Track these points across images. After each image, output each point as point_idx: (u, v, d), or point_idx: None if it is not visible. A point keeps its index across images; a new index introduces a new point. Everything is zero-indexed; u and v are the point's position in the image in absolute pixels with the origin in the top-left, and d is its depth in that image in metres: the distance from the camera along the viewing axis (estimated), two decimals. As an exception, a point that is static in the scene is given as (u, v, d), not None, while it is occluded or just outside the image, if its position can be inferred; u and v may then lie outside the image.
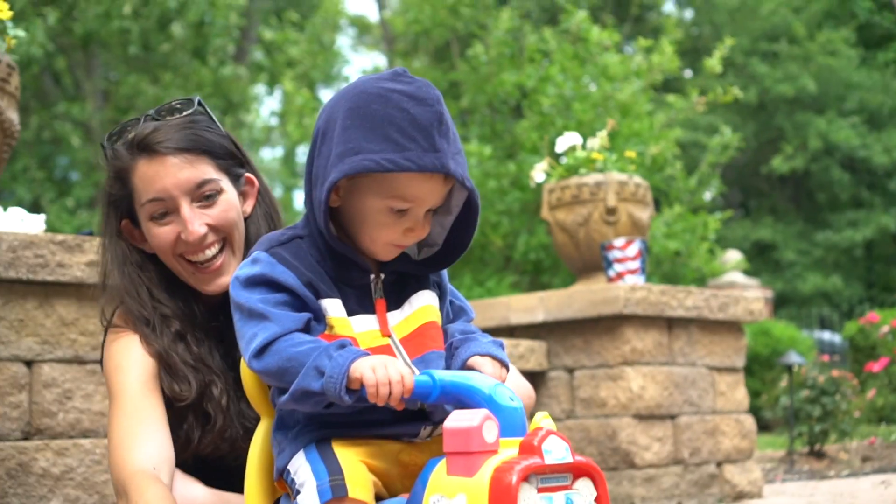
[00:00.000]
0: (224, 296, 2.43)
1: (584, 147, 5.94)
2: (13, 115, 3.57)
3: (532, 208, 9.87)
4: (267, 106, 25.22)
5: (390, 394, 1.79)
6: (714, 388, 5.65)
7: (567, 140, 5.91)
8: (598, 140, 5.92)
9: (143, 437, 2.24)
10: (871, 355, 12.16)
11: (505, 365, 1.97)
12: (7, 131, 3.55)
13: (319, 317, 1.93)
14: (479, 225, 9.95)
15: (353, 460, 1.86)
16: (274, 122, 22.10)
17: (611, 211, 5.78)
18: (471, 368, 1.92)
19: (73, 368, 3.56)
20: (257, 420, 2.37)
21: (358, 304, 1.96)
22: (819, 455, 8.67)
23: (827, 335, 15.63)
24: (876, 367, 10.05)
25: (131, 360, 2.35)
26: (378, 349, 1.93)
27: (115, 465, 2.24)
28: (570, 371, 5.49)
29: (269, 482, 2.09)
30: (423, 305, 2.02)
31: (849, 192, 26.75)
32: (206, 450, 2.36)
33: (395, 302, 2.01)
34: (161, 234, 2.36)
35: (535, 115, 10.28)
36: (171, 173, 2.33)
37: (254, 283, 1.93)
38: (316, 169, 1.93)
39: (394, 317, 1.99)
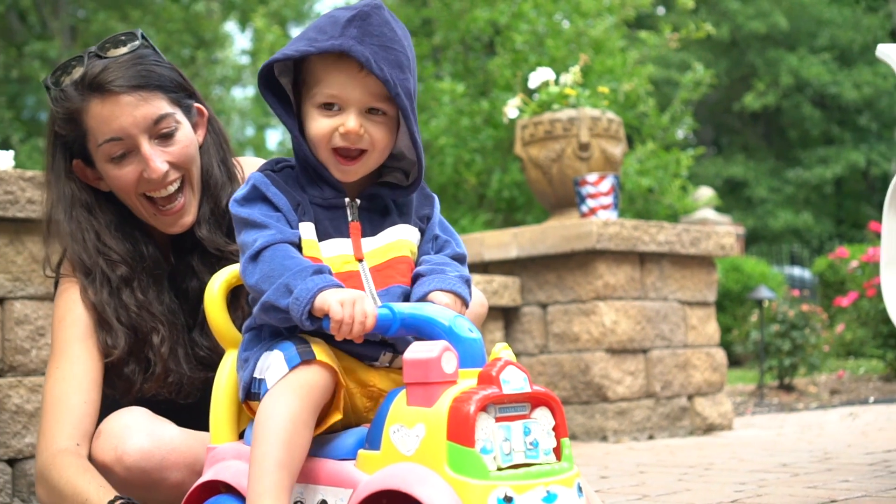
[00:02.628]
0: (176, 236, 2.48)
1: (556, 83, 5.93)
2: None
3: (505, 146, 9.86)
4: (238, 44, 24.97)
5: (351, 331, 1.81)
6: (685, 322, 5.70)
7: (540, 76, 5.89)
8: (571, 76, 5.91)
9: (70, 408, 2.28)
10: (840, 290, 12.30)
11: (465, 303, 1.99)
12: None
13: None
14: (452, 163, 10.00)
15: (318, 340, 1.89)
16: (245, 60, 21.89)
17: (584, 147, 5.79)
18: (430, 302, 1.94)
19: (46, 305, 3.55)
20: (211, 349, 2.40)
21: (332, 226, 1.99)
22: (788, 388, 8.79)
23: (797, 271, 15.77)
24: (845, 302, 10.16)
25: (75, 314, 2.37)
26: (347, 274, 1.95)
27: (40, 449, 2.29)
28: (544, 306, 5.52)
29: (235, 412, 2.10)
30: (399, 239, 2.03)
31: (819, 129, 26.88)
32: (149, 393, 2.38)
33: (371, 230, 2.02)
34: (122, 175, 2.34)
35: (508, 51, 10.23)
36: (126, 112, 2.30)
37: (252, 198, 1.98)
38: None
39: (367, 244, 2.00)
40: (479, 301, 2.69)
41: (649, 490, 3.41)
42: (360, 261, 1.98)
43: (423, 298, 1.94)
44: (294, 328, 1.92)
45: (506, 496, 1.67)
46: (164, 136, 2.35)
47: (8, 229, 3.48)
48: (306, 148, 1.99)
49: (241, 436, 2.09)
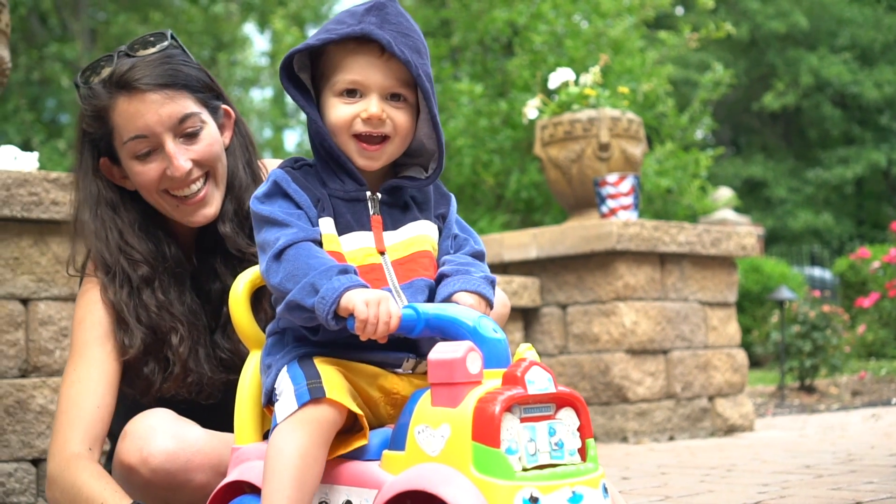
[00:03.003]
0: (199, 237, 2.49)
1: (576, 83, 5.92)
2: (4, 53, 3.54)
3: (523, 146, 9.84)
4: (257, 46, 25.05)
5: (375, 331, 1.81)
6: (706, 322, 5.69)
7: (560, 76, 5.89)
8: (591, 76, 5.90)
9: (84, 412, 2.29)
10: (862, 291, 12.23)
11: (490, 304, 1.99)
12: (-2, 68, 3.52)
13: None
14: (470, 163, 9.98)
15: (330, 370, 1.89)
16: (264, 62, 21.94)
17: (604, 147, 5.78)
18: (455, 303, 1.94)
19: (70, 306, 3.57)
20: (232, 352, 2.40)
21: (354, 219, 1.99)
22: (809, 390, 8.74)
23: (817, 271, 15.70)
24: (866, 303, 10.09)
25: (95, 315, 2.39)
26: (370, 267, 1.95)
27: (53, 452, 2.30)
28: (563, 307, 5.51)
29: (259, 412, 2.11)
30: (420, 234, 2.04)
31: (840, 129, 26.74)
32: (168, 393, 2.39)
33: (392, 225, 2.03)
34: (145, 171, 2.35)
35: (527, 52, 10.22)
36: (152, 110, 2.32)
37: (272, 194, 1.98)
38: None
39: (389, 237, 2.01)
40: (502, 301, 2.69)
41: (671, 491, 3.41)
42: (382, 253, 1.98)
43: (447, 299, 1.94)
44: (317, 330, 1.92)
45: (531, 497, 1.67)
46: (188, 136, 2.37)
47: (32, 231, 3.50)
48: (329, 138, 2.00)
49: (265, 436, 2.09)
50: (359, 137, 1.98)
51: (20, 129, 16.14)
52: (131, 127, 2.33)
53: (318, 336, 1.93)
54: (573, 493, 1.70)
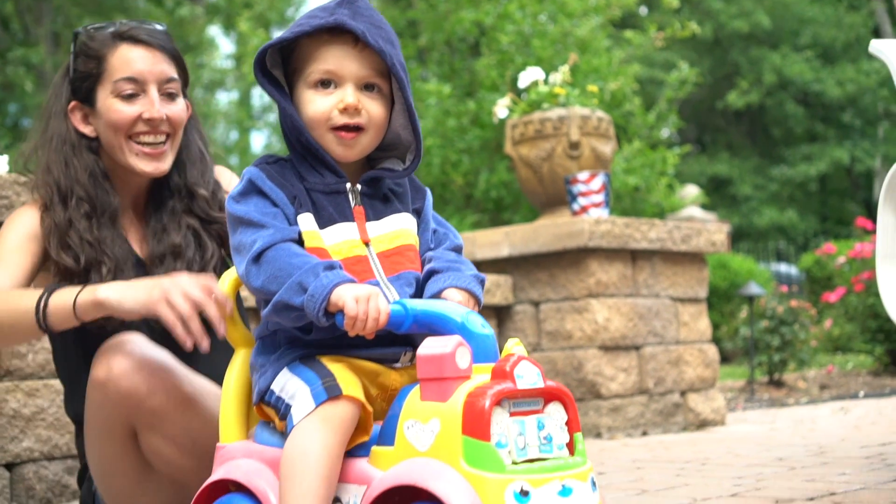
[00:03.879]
0: (144, 194, 2.67)
1: (546, 82, 5.94)
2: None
3: (492, 146, 9.86)
4: (222, 49, 24.95)
5: (364, 328, 1.81)
6: (677, 318, 5.72)
7: (529, 75, 5.91)
8: (560, 75, 5.93)
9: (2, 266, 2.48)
10: (828, 286, 12.34)
11: (478, 302, 2.00)
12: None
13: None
14: (439, 163, 9.99)
15: (340, 367, 1.88)
16: (229, 65, 21.85)
17: (574, 145, 5.80)
18: (444, 299, 1.95)
19: (43, 309, 3.54)
20: None
21: (337, 211, 1.99)
22: (778, 384, 8.82)
23: (784, 267, 15.84)
24: (833, 298, 10.20)
25: (24, 225, 2.55)
26: (355, 259, 1.95)
27: None
28: (536, 304, 5.53)
29: (244, 411, 2.11)
30: (403, 227, 2.04)
31: (803, 127, 26.98)
32: (93, 324, 2.44)
33: (375, 216, 2.03)
34: (124, 110, 2.56)
35: (494, 52, 10.24)
36: (150, 61, 2.58)
37: (247, 193, 1.98)
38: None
39: (372, 228, 2.01)
40: None
41: (648, 485, 3.43)
42: (367, 244, 1.98)
43: (436, 295, 1.95)
44: (310, 329, 1.92)
45: (522, 490, 1.67)
46: (168, 95, 2.61)
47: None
48: (306, 132, 2.00)
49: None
50: (335, 130, 1.99)
51: (-17, 133, 16.00)
52: (126, 69, 2.56)
53: (311, 336, 1.93)
54: (563, 486, 1.71)
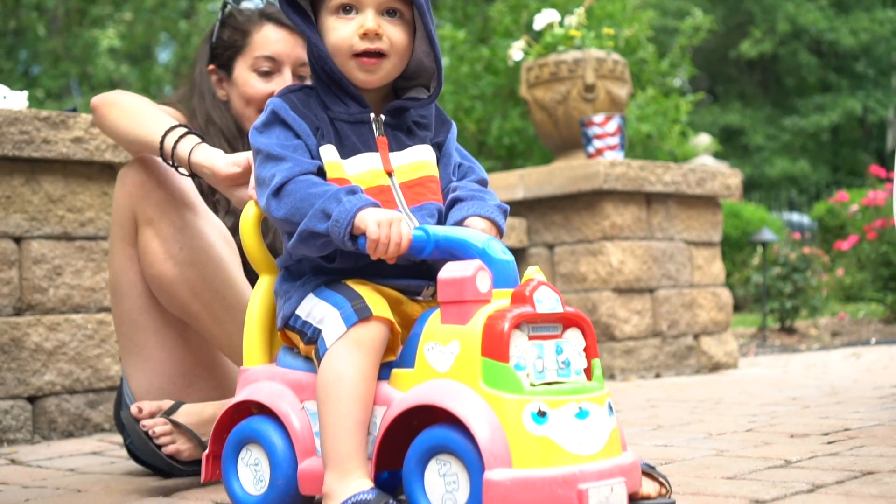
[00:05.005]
0: None
1: (561, 24, 5.91)
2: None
3: (505, 92, 9.82)
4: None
5: (386, 251, 1.82)
6: (691, 262, 5.73)
7: (545, 17, 5.87)
8: (576, 17, 5.89)
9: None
10: (840, 235, 12.33)
11: (501, 232, 2.01)
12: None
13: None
14: (452, 110, 9.96)
15: (367, 289, 1.90)
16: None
17: (589, 88, 5.78)
18: (466, 226, 1.96)
19: (62, 245, 3.57)
20: None
21: (360, 141, 2.00)
22: (790, 331, 8.84)
23: (795, 217, 15.80)
24: (845, 246, 10.19)
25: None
26: (378, 189, 1.96)
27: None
28: (551, 247, 5.55)
29: (267, 336, 2.13)
30: (425, 159, 2.05)
31: (816, 76, 26.78)
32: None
33: (398, 146, 2.04)
34: (259, 86, 2.78)
35: (508, -3, 10.18)
36: (289, 43, 2.79)
37: (269, 124, 1.99)
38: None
39: (395, 158, 2.02)
40: None
41: (663, 422, 3.45)
42: (390, 175, 1.99)
43: (459, 223, 1.96)
44: (334, 258, 1.93)
45: (539, 411, 1.69)
46: (300, 78, 2.81)
47: (24, 169, 3.49)
48: (330, 61, 2.00)
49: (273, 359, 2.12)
50: (357, 56, 1.98)
51: (-2, 77, 15.97)
52: (267, 47, 2.78)
53: (335, 264, 1.94)
54: (580, 408, 1.73)
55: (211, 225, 2.55)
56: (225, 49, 2.84)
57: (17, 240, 3.50)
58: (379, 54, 1.99)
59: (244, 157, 2.27)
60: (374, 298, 1.87)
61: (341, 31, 1.98)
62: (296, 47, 2.80)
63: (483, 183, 2.11)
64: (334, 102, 2.01)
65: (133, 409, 2.46)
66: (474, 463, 1.67)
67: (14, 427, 3.45)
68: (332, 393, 1.81)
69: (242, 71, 2.81)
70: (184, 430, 2.43)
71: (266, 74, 2.80)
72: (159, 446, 2.41)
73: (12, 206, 3.46)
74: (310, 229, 1.86)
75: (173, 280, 2.49)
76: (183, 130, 2.40)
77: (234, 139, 2.81)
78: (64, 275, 3.56)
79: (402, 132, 2.05)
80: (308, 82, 2.41)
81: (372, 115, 2.02)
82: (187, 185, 2.53)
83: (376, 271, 1.93)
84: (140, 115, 2.50)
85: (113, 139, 2.61)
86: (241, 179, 2.27)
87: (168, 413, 2.45)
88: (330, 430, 1.81)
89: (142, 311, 2.58)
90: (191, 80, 2.92)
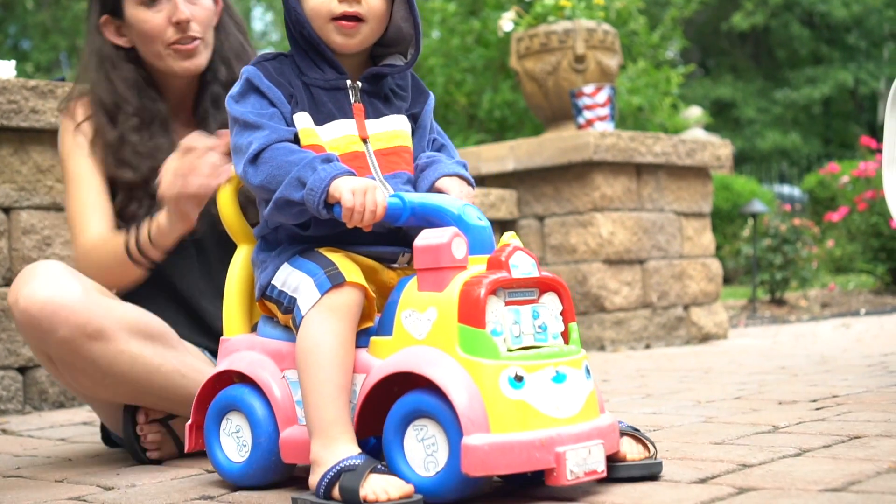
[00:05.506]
0: (191, 96, 2.66)
1: (551, -5, 5.90)
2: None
3: (496, 65, 9.80)
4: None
5: (362, 219, 1.82)
6: (681, 233, 5.74)
7: (535, -13, 5.86)
8: (566, -13, 5.88)
9: (91, 213, 2.52)
10: (830, 206, 12.36)
11: (470, 183, 2.03)
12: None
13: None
14: (442, 83, 9.94)
15: (340, 256, 1.90)
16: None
17: (579, 58, 5.77)
18: (439, 191, 1.97)
19: (52, 215, 3.56)
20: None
21: (336, 107, 1.99)
22: (780, 302, 8.87)
23: (786, 189, 15.82)
24: (836, 217, 10.21)
25: (82, 148, 2.58)
26: (353, 155, 1.96)
27: (75, 245, 2.54)
28: (541, 219, 5.55)
29: (247, 306, 2.13)
30: (400, 129, 2.05)
31: (808, 48, 26.76)
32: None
33: (374, 114, 2.03)
34: (152, 18, 2.56)
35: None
36: None
37: (245, 93, 1.98)
38: None
39: (371, 126, 2.02)
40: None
41: (652, 391, 3.47)
42: (365, 141, 1.99)
43: (430, 190, 1.97)
44: (308, 225, 1.94)
45: (516, 375, 1.70)
46: None
47: (12, 139, 3.48)
48: (308, 25, 1.99)
49: (252, 329, 2.12)
50: (335, 19, 1.97)
51: (-14, 51, 15.90)
52: None
53: (309, 231, 1.94)
54: (557, 372, 1.74)
55: (122, 327, 2.28)
56: None
57: (6, 210, 3.50)
58: (357, 18, 1.98)
59: (167, 172, 2.29)
60: (346, 265, 1.87)
61: None
62: None
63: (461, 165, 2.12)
64: (310, 68, 2.01)
65: (140, 416, 2.42)
66: (452, 426, 1.68)
67: (5, 397, 3.45)
68: (311, 360, 1.82)
69: (131, 9, 2.60)
70: (173, 438, 2.43)
71: (153, 2, 2.58)
72: (144, 450, 2.40)
73: (1, 176, 3.46)
74: (285, 197, 1.86)
75: (114, 397, 2.38)
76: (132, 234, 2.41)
77: (150, 108, 2.60)
78: (53, 245, 3.56)
79: (379, 100, 2.05)
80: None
81: (349, 82, 2.02)
82: (80, 301, 2.23)
83: (351, 239, 1.93)
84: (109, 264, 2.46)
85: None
86: (181, 183, 2.28)
87: (165, 419, 2.42)
88: (312, 398, 1.82)
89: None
90: (85, 58, 2.70)
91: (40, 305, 2.20)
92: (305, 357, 1.83)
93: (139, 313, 2.33)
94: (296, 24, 2.00)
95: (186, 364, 2.36)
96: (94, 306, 2.24)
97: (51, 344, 2.23)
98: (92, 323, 2.22)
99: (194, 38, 2.58)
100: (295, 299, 1.88)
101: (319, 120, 1.97)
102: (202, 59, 2.62)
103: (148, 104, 2.59)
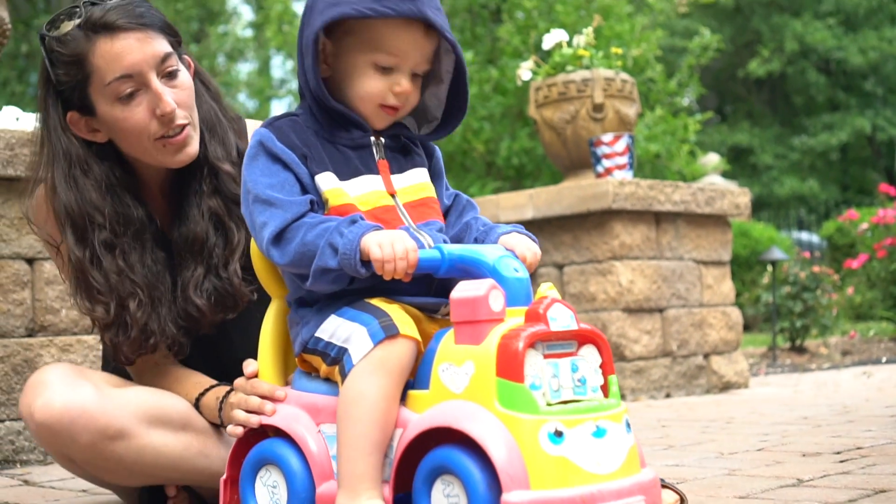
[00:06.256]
0: (170, 197, 2.42)
1: (570, 44, 5.93)
2: (4, 14, 3.54)
3: (514, 113, 9.85)
4: (244, 17, 24.89)
5: (395, 269, 1.83)
6: (701, 281, 5.73)
7: (553, 37, 5.90)
8: (584, 37, 5.92)
9: None
10: (849, 253, 12.31)
11: (532, 239, 2.03)
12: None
13: (317, 199, 1.97)
14: (461, 131, 10.00)
15: (394, 307, 1.89)
16: (249, 33, 21.83)
17: (598, 107, 5.80)
18: (503, 246, 1.98)
19: (75, 266, 3.58)
20: (200, 310, 2.35)
21: (361, 163, 2.00)
22: (800, 350, 8.82)
23: (805, 236, 15.78)
24: (855, 264, 10.18)
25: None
26: (384, 209, 1.96)
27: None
28: (560, 267, 5.55)
29: (281, 359, 2.13)
30: (424, 181, 2.06)
31: (825, 95, 26.78)
32: (132, 355, 2.34)
33: (398, 168, 2.04)
34: (133, 114, 2.26)
35: (517, 18, 10.21)
36: (136, 48, 2.23)
37: (255, 156, 1.97)
38: (305, 39, 1.97)
39: (397, 180, 2.02)
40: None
41: (674, 441, 3.45)
42: (393, 195, 1.99)
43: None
44: (352, 280, 1.93)
45: (556, 430, 1.68)
46: (169, 76, 2.29)
47: (36, 190, 3.51)
48: (329, 99, 1.98)
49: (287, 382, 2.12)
50: (383, 106, 1.99)
51: (10, 100, 16.07)
52: (115, 67, 2.23)
53: (353, 285, 1.93)
54: (597, 427, 1.72)
55: (139, 420, 2.22)
56: (72, 91, 2.28)
57: (30, 261, 3.52)
58: (398, 107, 2.01)
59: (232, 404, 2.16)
60: (401, 316, 1.86)
61: (378, 85, 1.96)
62: (147, 46, 2.25)
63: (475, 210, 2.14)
64: (333, 128, 2.01)
65: (169, 489, 2.38)
66: (474, 484, 1.67)
67: (27, 448, 3.46)
68: (352, 412, 1.81)
69: (105, 106, 2.27)
70: (192, 495, 2.39)
71: (131, 97, 2.25)
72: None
73: (25, 227, 3.48)
74: (321, 267, 1.86)
75: (135, 485, 2.34)
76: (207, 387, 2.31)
77: (113, 215, 2.30)
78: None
79: (400, 153, 2.06)
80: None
81: (372, 139, 2.03)
82: (93, 406, 2.17)
83: (394, 290, 1.94)
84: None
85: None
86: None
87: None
88: (345, 451, 1.81)
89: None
90: (40, 149, 2.36)
91: (58, 416, 2.13)
92: (346, 409, 1.82)
93: (155, 399, 2.27)
94: (316, 95, 1.99)
95: (209, 445, 2.31)
96: (110, 406, 2.18)
97: (74, 451, 2.18)
98: (112, 425, 2.16)
99: (183, 126, 2.30)
100: (346, 349, 1.86)
101: (345, 175, 1.98)
102: (195, 146, 2.34)
103: (122, 209, 2.32)
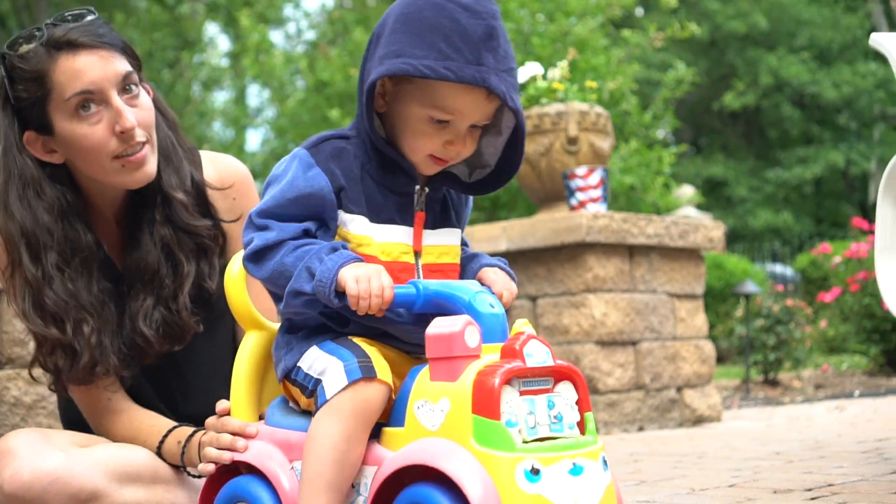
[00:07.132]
0: (123, 224, 2.41)
1: (544, 77, 5.95)
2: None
3: (489, 144, 9.85)
4: (220, 47, 24.93)
5: (370, 306, 1.81)
6: (674, 314, 5.74)
7: (528, 70, 5.92)
8: (559, 70, 5.94)
9: None
10: (823, 286, 12.36)
11: (512, 278, 2.01)
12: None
13: (332, 224, 1.94)
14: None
15: (374, 350, 1.88)
16: (224, 63, 21.85)
17: (572, 140, 5.81)
18: (481, 280, 1.97)
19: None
20: (148, 341, 2.32)
21: (398, 211, 1.96)
22: (773, 383, 8.83)
23: (779, 268, 15.85)
24: (828, 298, 10.21)
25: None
26: (402, 265, 1.94)
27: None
28: (533, 299, 5.54)
29: (255, 393, 2.11)
30: (453, 244, 2.03)
31: (799, 128, 27.01)
32: (77, 382, 2.32)
33: (432, 224, 2.01)
34: (93, 131, 2.26)
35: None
36: (98, 65, 2.24)
37: (282, 175, 1.95)
38: (366, 72, 1.93)
39: (427, 237, 1.99)
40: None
41: (646, 476, 3.44)
42: (417, 253, 1.97)
43: (474, 278, 1.97)
44: (347, 323, 1.92)
45: (533, 468, 1.67)
46: (130, 95, 2.29)
47: (5, 221, 3.48)
48: (381, 139, 1.95)
49: (260, 417, 2.10)
50: (433, 157, 1.95)
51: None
52: (76, 83, 2.23)
53: (348, 329, 1.92)
54: (574, 464, 1.71)
55: (116, 493, 2.22)
56: (30, 108, 2.28)
57: (-2, 292, 3.49)
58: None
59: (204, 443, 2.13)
60: (380, 361, 1.85)
61: (430, 139, 1.92)
62: (108, 64, 2.26)
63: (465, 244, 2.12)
64: (381, 166, 1.97)
65: None
66: None
67: None
68: (312, 450, 1.81)
69: (63, 122, 2.26)
70: None
71: (91, 114, 2.25)
72: None
73: (-7, 257, 3.45)
74: (296, 289, 1.86)
75: None
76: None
77: (63, 240, 2.29)
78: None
79: (438, 206, 2.03)
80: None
81: (417, 188, 1.98)
82: (65, 471, 2.15)
83: (380, 329, 1.92)
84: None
85: None
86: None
87: None
88: (303, 487, 1.81)
89: None
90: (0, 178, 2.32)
91: (28, 485, 2.11)
92: (309, 445, 1.82)
93: (124, 454, 2.25)
94: (373, 140, 1.95)
95: (178, 494, 2.30)
96: (80, 469, 2.16)
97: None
98: (85, 488, 2.15)
99: (143, 144, 2.29)
100: (320, 381, 1.85)
101: (377, 219, 1.95)
102: (152, 165, 2.32)
103: (71, 235, 2.30)
